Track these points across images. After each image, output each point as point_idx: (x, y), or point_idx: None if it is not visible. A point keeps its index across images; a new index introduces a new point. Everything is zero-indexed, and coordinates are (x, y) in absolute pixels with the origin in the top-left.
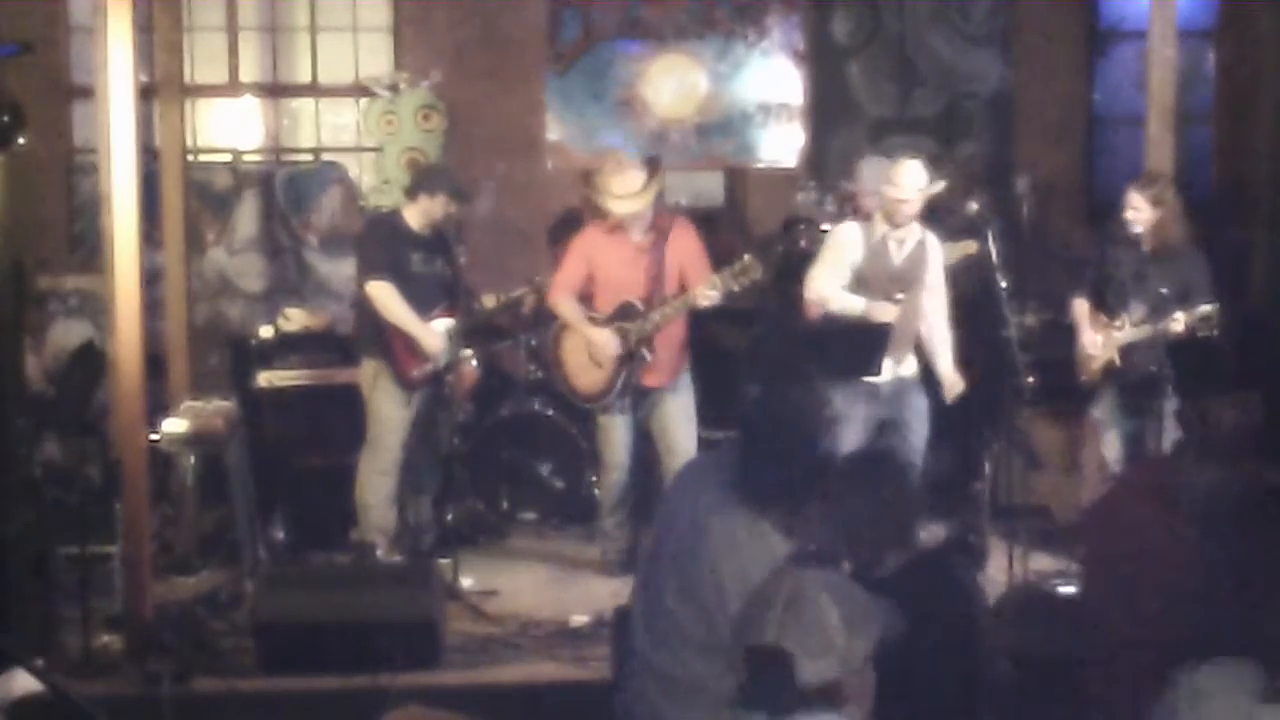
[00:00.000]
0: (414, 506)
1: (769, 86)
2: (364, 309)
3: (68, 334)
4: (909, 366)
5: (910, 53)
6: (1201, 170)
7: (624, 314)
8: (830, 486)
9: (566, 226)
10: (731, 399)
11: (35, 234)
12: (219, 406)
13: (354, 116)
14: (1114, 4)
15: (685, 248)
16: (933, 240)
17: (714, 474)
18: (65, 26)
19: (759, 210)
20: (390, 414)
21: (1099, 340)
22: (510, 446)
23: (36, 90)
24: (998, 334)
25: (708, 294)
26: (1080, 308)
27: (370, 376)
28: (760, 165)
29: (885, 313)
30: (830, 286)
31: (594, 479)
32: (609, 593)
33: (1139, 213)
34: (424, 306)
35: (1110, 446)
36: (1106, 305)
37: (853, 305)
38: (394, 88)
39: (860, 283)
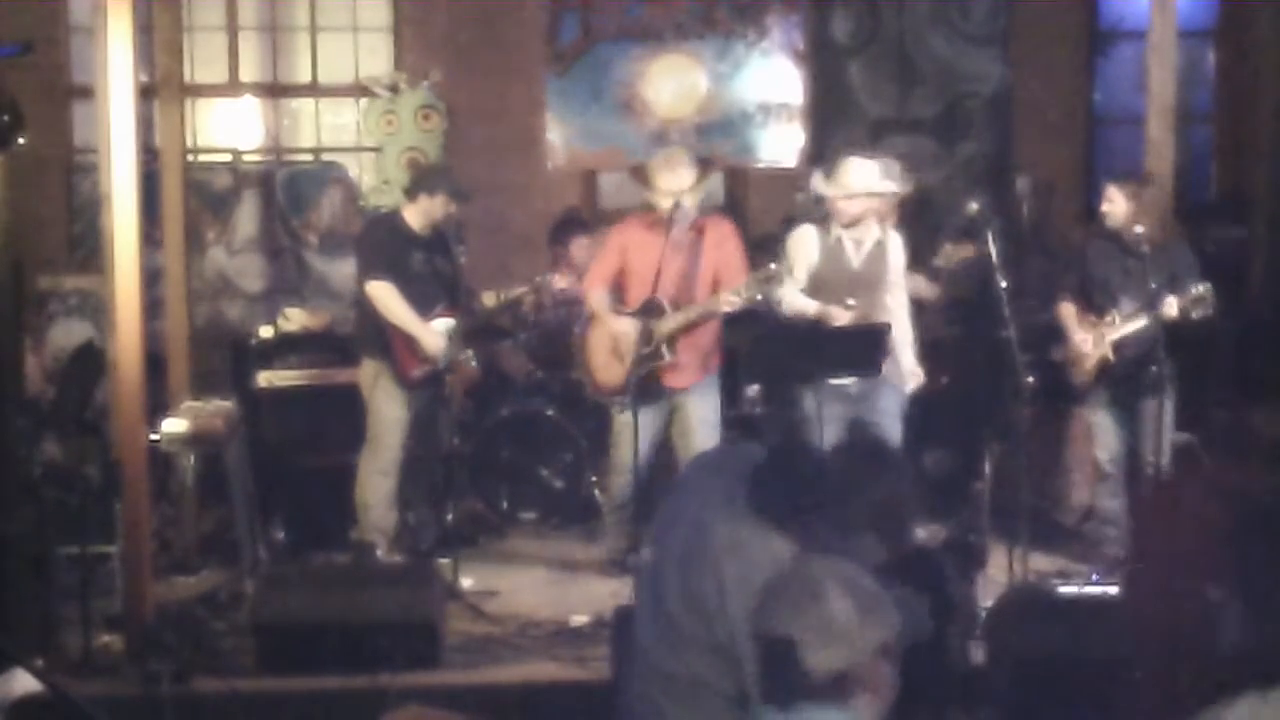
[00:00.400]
0: (414, 506)
1: (769, 86)
2: (364, 309)
3: (68, 334)
4: None
5: (910, 53)
6: (1201, 170)
7: (648, 310)
8: (825, 484)
9: (567, 227)
10: (731, 399)
11: (35, 234)
12: (219, 406)
13: (354, 116)
14: (1114, 4)
15: (724, 250)
16: (895, 241)
17: (720, 474)
18: (65, 26)
19: (759, 210)
20: (390, 414)
21: (1089, 339)
22: (510, 446)
23: (36, 90)
24: (998, 334)
25: (730, 300)
26: (1066, 310)
27: (370, 376)
28: (760, 165)
29: (839, 317)
30: (785, 289)
31: (594, 479)
32: (609, 593)
33: (1113, 205)
34: (424, 306)
35: (1104, 447)
36: (1095, 305)
37: (806, 308)
38: (394, 88)
39: (818, 285)
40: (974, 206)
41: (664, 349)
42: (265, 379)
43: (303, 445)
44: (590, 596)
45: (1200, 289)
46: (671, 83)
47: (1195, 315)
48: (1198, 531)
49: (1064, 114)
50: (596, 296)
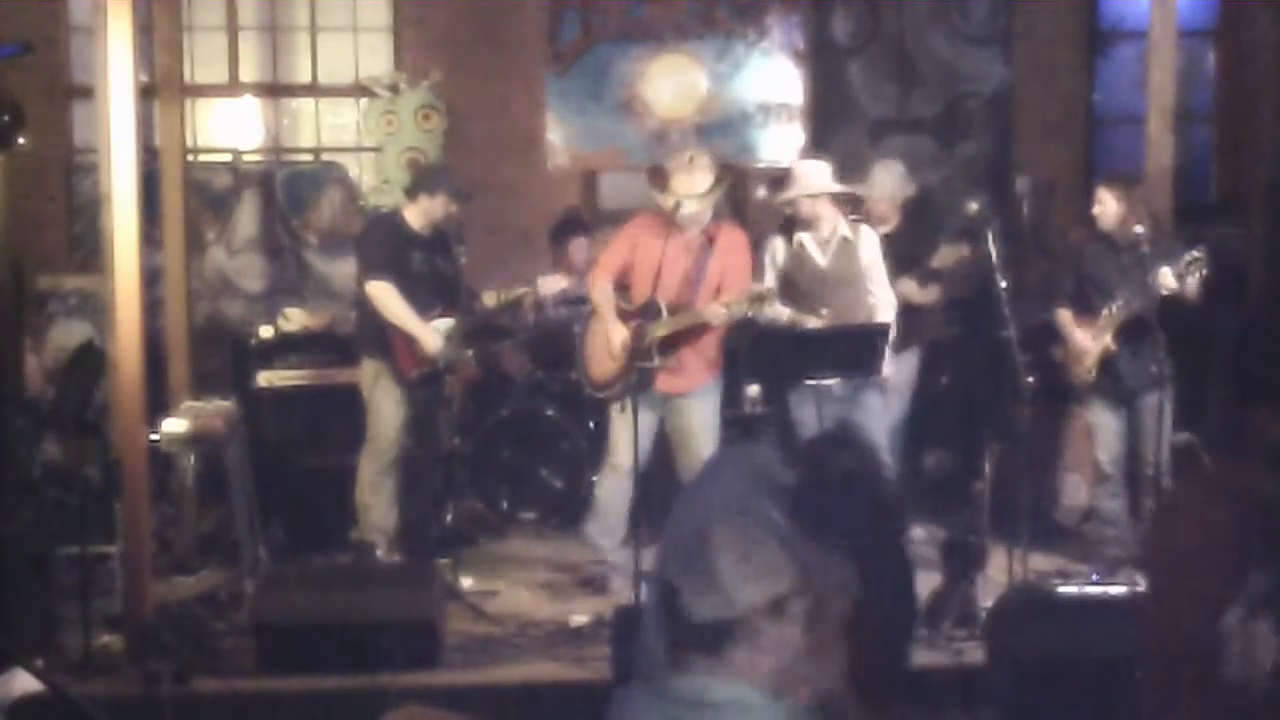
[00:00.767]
0: (414, 506)
1: (769, 86)
2: (364, 309)
3: (68, 334)
4: None
5: (910, 53)
6: (1201, 170)
7: (646, 312)
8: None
9: (567, 227)
10: (731, 400)
11: (35, 234)
12: (219, 406)
13: (354, 116)
14: (1114, 4)
15: (733, 259)
16: (866, 236)
17: (731, 476)
18: (65, 26)
19: (759, 210)
20: (390, 414)
21: (1089, 335)
22: (510, 446)
23: (36, 90)
24: (998, 334)
25: (718, 313)
26: (1064, 316)
27: (370, 376)
28: (760, 165)
29: (810, 324)
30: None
31: (594, 479)
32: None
33: (1105, 206)
34: (424, 306)
35: (1104, 448)
36: (1093, 305)
37: (778, 315)
38: (394, 88)
39: (789, 288)
40: (974, 206)
41: (653, 352)
42: (265, 379)
43: (303, 445)
44: (590, 596)
45: (1193, 253)
46: (671, 83)
47: (1191, 278)
48: (1205, 533)
49: (1064, 114)
50: (600, 289)
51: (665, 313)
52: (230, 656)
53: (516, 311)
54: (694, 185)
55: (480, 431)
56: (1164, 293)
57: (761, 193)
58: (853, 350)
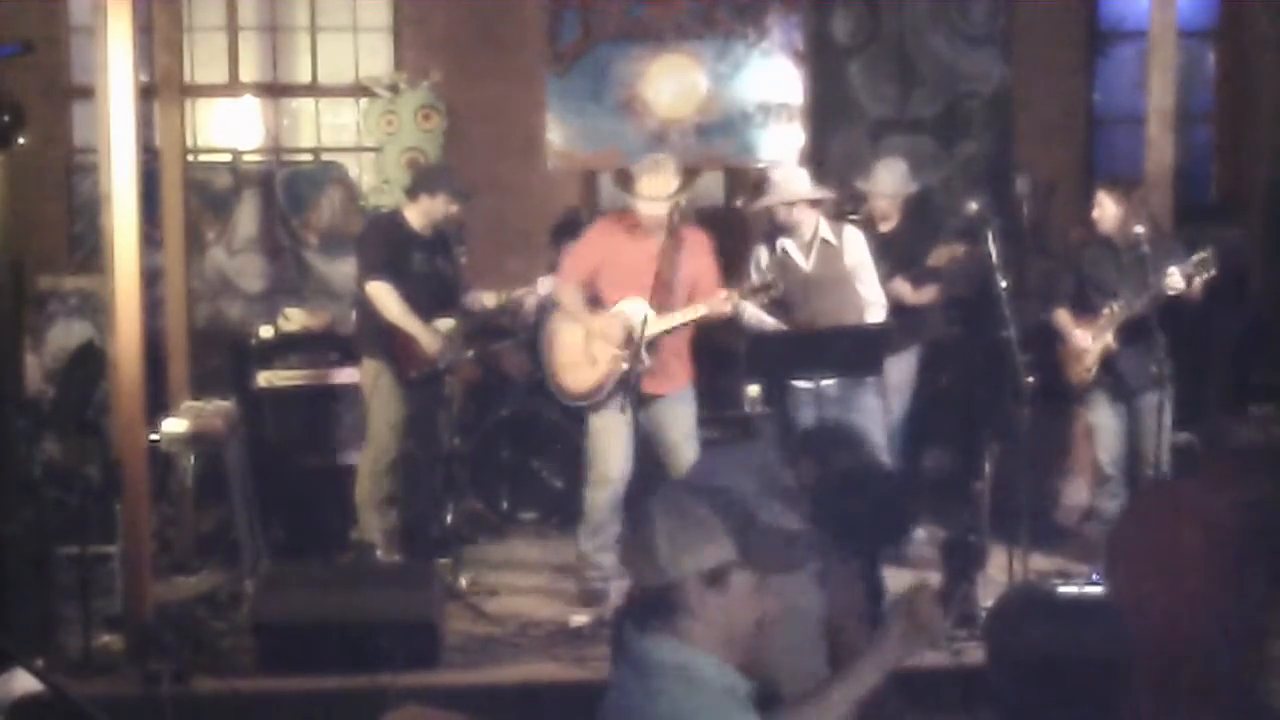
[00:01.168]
0: (414, 506)
1: (769, 86)
2: (364, 309)
3: (68, 334)
4: None
5: (910, 53)
6: (1201, 170)
7: (632, 312)
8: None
9: (567, 227)
10: (732, 400)
11: (35, 234)
12: (219, 406)
13: (354, 116)
14: (1114, 4)
15: (701, 261)
16: (850, 235)
17: (737, 476)
18: (65, 26)
19: (758, 210)
20: (390, 414)
21: (1089, 334)
22: (510, 446)
23: (36, 90)
24: (997, 334)
25: (723, 305)
26: (1062, 317)
27: (370, 376)
28: (760, 165)
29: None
30: (745, 304)
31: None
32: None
33: (1104, 209)
34: (424, 306)
35: (1105, 448)
36: (1093, 306)
37: (763, 322)
38: (394, 88)
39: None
40: (974, 206)
41: (644, 352)
42: (265, 379)
43: (303, 445)
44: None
45: (1202, 254)
46: (671, 83)
47: (1200, 279)
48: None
49: (1064, 114)
50: (569, 293)
51: (653, 312)
52: (230, 656)
53: (516, 311)
54: (660, 188)
55: (480, 431)
56: (1170, 293)
57: (739, 202)
58: (853, 351)
